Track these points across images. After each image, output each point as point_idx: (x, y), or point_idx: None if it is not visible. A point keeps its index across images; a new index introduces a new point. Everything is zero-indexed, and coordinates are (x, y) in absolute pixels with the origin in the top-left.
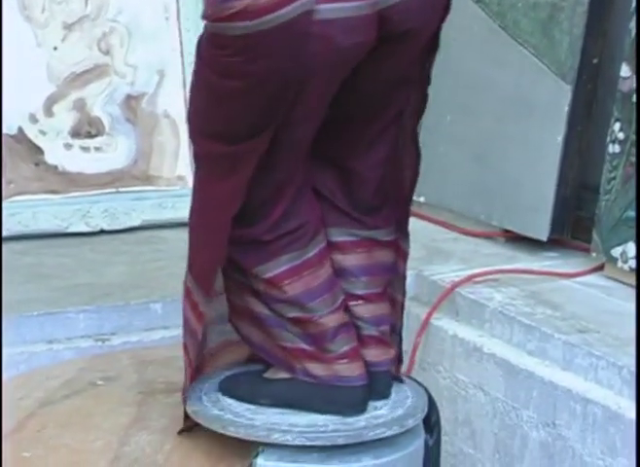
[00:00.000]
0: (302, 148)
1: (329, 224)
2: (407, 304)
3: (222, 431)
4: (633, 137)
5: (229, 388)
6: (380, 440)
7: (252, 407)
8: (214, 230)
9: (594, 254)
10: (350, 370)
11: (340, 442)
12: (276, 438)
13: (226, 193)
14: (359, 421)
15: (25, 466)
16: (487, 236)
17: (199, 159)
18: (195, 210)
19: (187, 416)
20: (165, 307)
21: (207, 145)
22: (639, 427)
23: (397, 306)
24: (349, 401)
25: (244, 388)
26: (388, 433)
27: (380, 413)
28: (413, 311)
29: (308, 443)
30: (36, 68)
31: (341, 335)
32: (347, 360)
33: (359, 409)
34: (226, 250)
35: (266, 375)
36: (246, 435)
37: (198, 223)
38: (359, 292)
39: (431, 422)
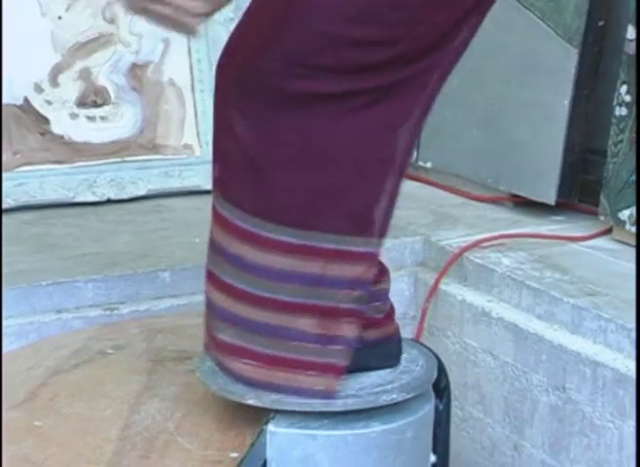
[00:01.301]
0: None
1: None
2: (415, 269)
3: (338, 409)
4: None
5: None
6: (389, 405)
7: None
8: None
9: (602, 217)
10: (394, 327)
11: (425, 387)
12: (385, 400)
13: (391, 118)
14: (412, 371)
15: (37, 435)
16: (495, 201)
17: (320, 97)
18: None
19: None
20: (173, 276)
21: (341, 80)
22: (639, 392)
23: None
24: (395, 355)
25: None
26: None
27: (407, 364)
28: (421, 277)
29: (409, 396)
30: (41, 38)
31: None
32: (391, 318)
33: (399, 361)
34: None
35: None
36: (357, 404)
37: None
38: None
39: (440, 387)
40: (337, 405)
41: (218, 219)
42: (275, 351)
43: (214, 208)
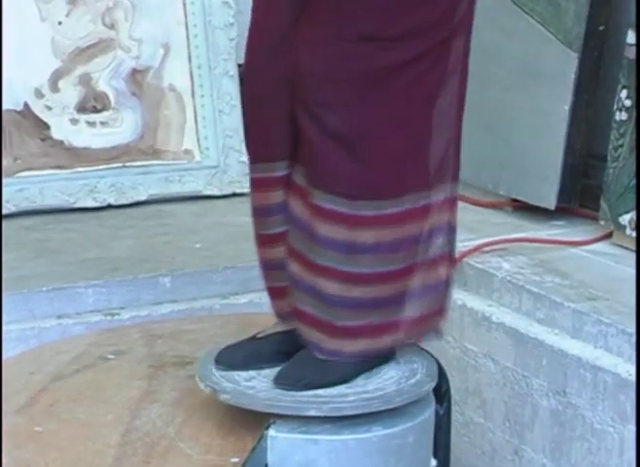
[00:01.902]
0: None
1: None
2: None
3: (396, 405)
4: None
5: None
6: (390, 410)
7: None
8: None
9: (602, 222)
10: None
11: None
12: (426, 390)
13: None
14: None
15: (38, 440)
16: (495, 206)
17: (394, 68)
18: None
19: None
20: (174, 281)
21: (412, 43)
22: (639, 397)
23: None
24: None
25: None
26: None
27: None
28: None
29: (434, 383)
30: (41, 43)
31: None
32: None
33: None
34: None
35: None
36: (411, 397)
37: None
38: None
39: (441, 392)
40: (396, 401)
41: (326, 215)
42: (394, 317)
43: (316, 207)
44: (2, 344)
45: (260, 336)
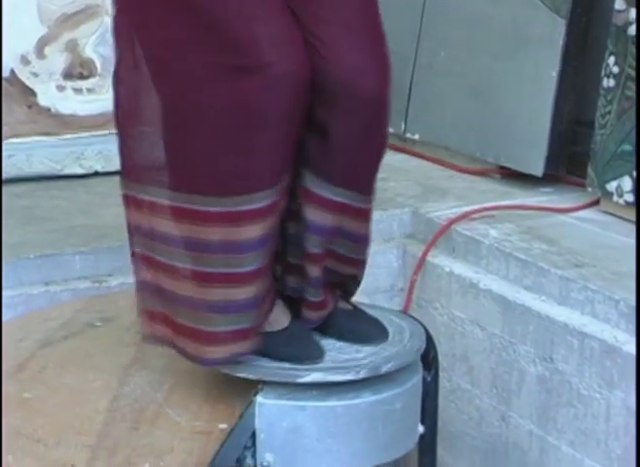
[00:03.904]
0: None
1: None
2: (403, 241)
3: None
4: (628, 71)
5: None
6: (378, 376)
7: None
8: None
9: (590, 189)
10: None
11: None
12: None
13: None
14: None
15: (26, 407)
16: (483, 173)
17: None
18: None
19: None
20: None
21: None
22: (639, 362)
23: None
24: None
25: None
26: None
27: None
28: (410, 249)
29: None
30: (27, 9)
31: None
32: None
33: None
34: None
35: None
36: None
37: None
38: None
39: (429, 359)
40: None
41: (355, 212)
42: None
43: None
44: (2, 309)
45: (286, 325)
